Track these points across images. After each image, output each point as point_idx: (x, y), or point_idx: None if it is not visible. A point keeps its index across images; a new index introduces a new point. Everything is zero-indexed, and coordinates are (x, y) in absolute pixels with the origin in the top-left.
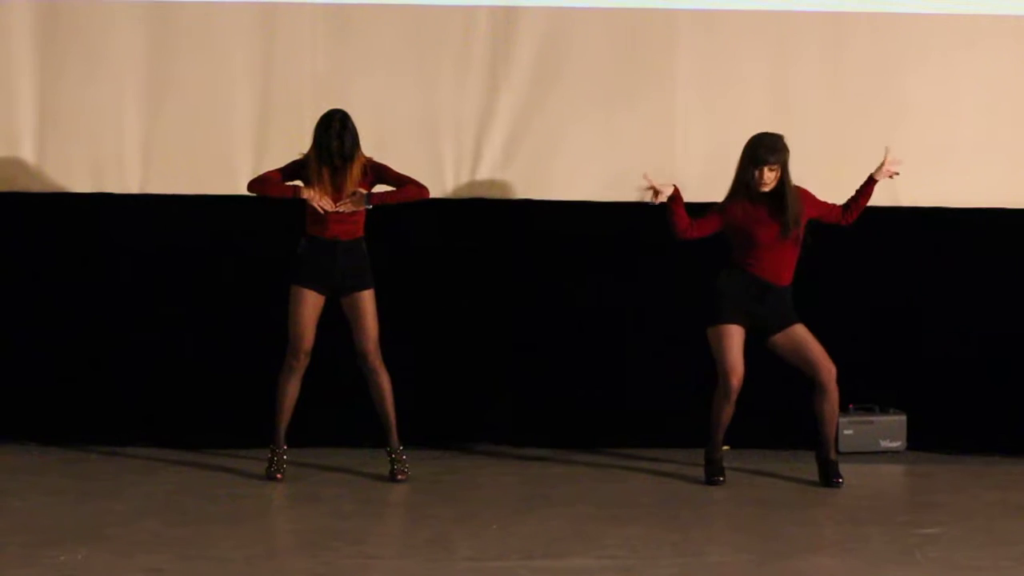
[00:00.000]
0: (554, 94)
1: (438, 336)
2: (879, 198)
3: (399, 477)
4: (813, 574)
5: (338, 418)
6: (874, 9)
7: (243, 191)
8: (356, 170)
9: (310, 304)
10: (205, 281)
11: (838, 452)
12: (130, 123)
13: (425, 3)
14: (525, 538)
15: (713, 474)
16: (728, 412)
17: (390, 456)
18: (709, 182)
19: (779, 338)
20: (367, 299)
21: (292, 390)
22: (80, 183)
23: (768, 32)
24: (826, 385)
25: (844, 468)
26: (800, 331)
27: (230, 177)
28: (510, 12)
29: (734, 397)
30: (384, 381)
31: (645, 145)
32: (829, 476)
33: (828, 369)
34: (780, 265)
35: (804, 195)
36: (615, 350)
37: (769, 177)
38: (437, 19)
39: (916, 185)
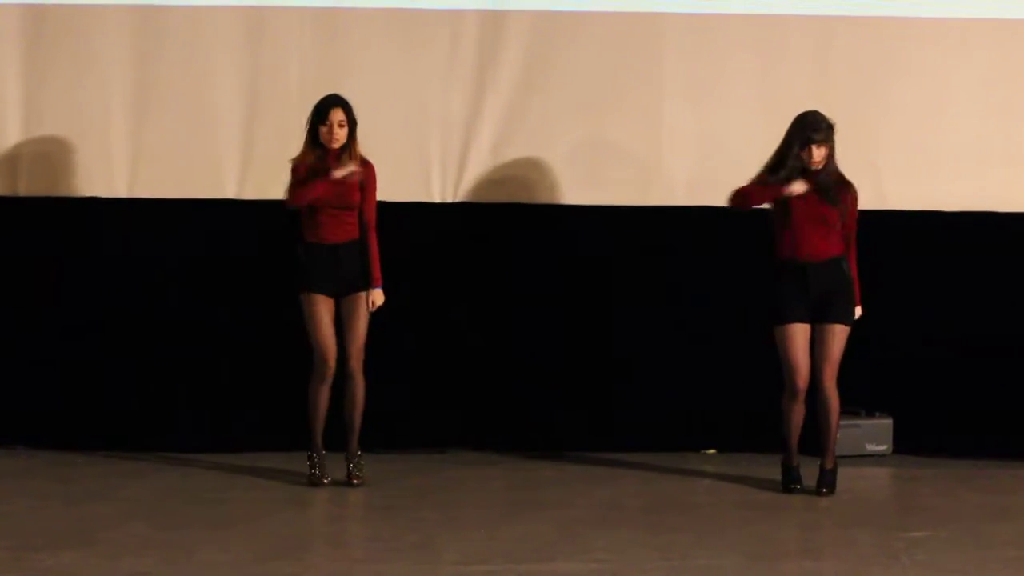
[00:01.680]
0: (541, 98)
1: (424, 339)
2: (866, 201)
3: (354, 481)
4: None
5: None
6: (861, 13)
7: (230, 195)
8: (355, 149)
9: (324, 309)
10: (194, 285)
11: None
12: (118, 127)
13: (413, 7)
14: (512, 542)
15: (790, 482)
16: (798, 413)
17: (348, 461)
18: (696, 185)
19: (818, 329)
20: (363, 301)
21: (324, 398)
22: (68, 187)
23: (755, 36)
24: (815, 394)
25: None
26: (837, 331)
27: (218, 181)
28: (498, 16)
29: (801, 397)
30: (359, 389)
31: (632, 149)
32: (817, 485)
33: (817, 379)
34: (817, 242)
35: (850, 190)
36: (602, 353)
37: (818, 155)
38: (425, 23)
39: (903, 189)
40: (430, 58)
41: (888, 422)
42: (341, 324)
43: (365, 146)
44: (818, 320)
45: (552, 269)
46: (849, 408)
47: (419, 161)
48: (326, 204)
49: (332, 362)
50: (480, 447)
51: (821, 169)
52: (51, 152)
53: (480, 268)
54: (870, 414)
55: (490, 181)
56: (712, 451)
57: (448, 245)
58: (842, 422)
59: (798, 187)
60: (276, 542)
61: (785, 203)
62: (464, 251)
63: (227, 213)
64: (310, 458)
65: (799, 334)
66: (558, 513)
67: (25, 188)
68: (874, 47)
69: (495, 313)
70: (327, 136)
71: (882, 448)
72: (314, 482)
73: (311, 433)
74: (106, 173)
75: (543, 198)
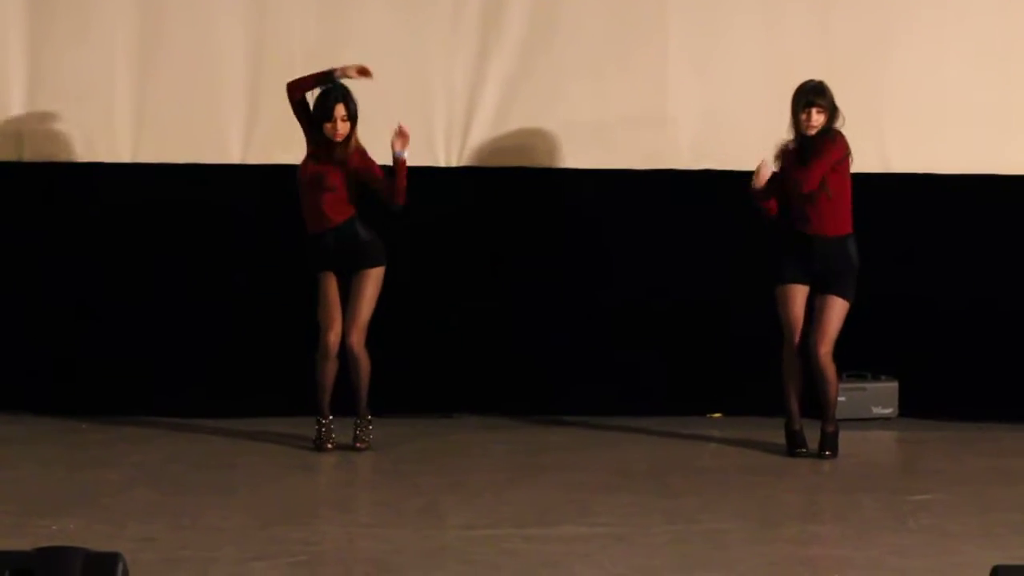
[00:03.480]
0: (545, 62)
1: (430, 304)
2: (870, 164)
3: (358, 445)
4: (805, 541)
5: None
6: None
7: (234, 159)
8: (354, 141)
9: (327, 284)
10: (198, 250)
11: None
12: (121, 92)
13: None
14: (517, 506)
15: (794, 446)
16: (796, 369)
17: (355, 425)
18: (700, 147)
19: (818, 300)
20: (367, 279)
21: (327, 372)
22: (71, 152)
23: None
24: (811, 357)
25: None
26: (836, 304)
27: (221, 146)
28: None
29: (796, 350)
30: (362, 367)
31: (636, 112)
32: (819, 447)
33: (814, 343)
34: (816, 214)
35: (839, 139)
36: (607, 317)
37: (817, 120)
38: None
39: (906, 151)
40: (434, 22)
41: (894, 385)
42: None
43: (368, 112)
44: (819, 291)
45: (557, 233)
46: (855, 371)
47: (424, 125)
48: (306, 191)
49: (333, 337)
50: (485, 412)
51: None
52: (54, 118)
53: (485, 232)
54: (876, 377)
55: (495, 145)
56: (718, 415)
57: (453, 209)
58: (848, 385)
59: (759, 178)
60: (282, 507)
61: (788, 179)
62: (469, 215)
63: (231, 178)
64: (317, 422)
65: (796, 294)
66: (563, 477)
67: (29, 154)
68: (876, 10)
69: (500, 277)
70: (331, 131)
71: (888, 411)
72: (319, 446)
73: (318, 402)
74: (109, 139)
75: (548, 162)
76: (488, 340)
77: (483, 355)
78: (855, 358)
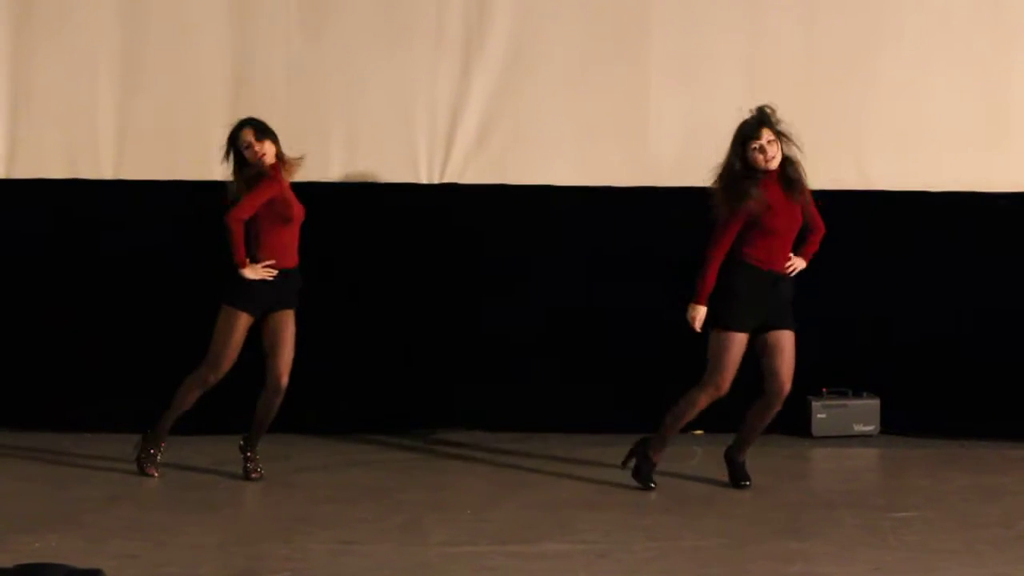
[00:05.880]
0: (527, 78)
1: (410, 320)
2: (850, 182)
3: (253, 476)
4: (787, 558)
5: (310, 406)
6: None
7: (217, 176)
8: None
9: (244, 327)
10: (178, 266)
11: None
12: (104, 108)
13: None
14: (498, 523)
15: (737, 479)
16: (697, 411)
17: (251, 453)
18: (683, 164)
19: (768, 335)
20: (291, 319)
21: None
22: (53, 169)
23: (741, 12)
24: (772, 400)
25: (818, 452)
26: (786, 338)
27: (204, 162)
28: None
29: (710, 401)
30: (279, 402)
31: (618, 128)
32: (738, 478)
33: (783, 387)
34: (785, 252)
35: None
36: (589, 333)
37: (773, 150)
38: (411, 2)
39: (886, 168)
40: (416, 38)
41: (875, 402)
42: (258, 337)
43: (351, 128)
44: (772, 327)
45: (538, 249)
46: (837, 388)
47: (406, 142)
48: (277, 224)
49: (214, 379)
50: (467, 428)
51: (784, 166)
52: (37, 135)
53: (467, 248)
54: (857, 394)
55: (477, 162)
56: (699, 432)
57: (435, 225)
58: (829, 402)
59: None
60: (263, 524)
61: (767, 208)
62: (451, 231)
63: (213, 195)
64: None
65: (739, 345)
66: (545, 494)
67: (10, 171)
68: (857, 27)
69: (482, 293)
70: (254, 155)
71: (869, 428)
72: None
73: (166, 424)
74: (92, 155)
75: (529, 179)
76: (470, 356)
77: (464, 371)
78: (836, 376)
